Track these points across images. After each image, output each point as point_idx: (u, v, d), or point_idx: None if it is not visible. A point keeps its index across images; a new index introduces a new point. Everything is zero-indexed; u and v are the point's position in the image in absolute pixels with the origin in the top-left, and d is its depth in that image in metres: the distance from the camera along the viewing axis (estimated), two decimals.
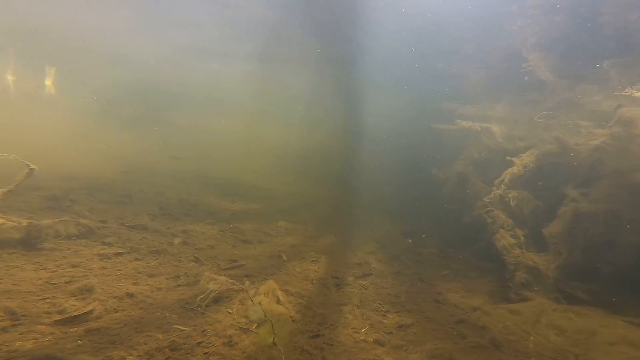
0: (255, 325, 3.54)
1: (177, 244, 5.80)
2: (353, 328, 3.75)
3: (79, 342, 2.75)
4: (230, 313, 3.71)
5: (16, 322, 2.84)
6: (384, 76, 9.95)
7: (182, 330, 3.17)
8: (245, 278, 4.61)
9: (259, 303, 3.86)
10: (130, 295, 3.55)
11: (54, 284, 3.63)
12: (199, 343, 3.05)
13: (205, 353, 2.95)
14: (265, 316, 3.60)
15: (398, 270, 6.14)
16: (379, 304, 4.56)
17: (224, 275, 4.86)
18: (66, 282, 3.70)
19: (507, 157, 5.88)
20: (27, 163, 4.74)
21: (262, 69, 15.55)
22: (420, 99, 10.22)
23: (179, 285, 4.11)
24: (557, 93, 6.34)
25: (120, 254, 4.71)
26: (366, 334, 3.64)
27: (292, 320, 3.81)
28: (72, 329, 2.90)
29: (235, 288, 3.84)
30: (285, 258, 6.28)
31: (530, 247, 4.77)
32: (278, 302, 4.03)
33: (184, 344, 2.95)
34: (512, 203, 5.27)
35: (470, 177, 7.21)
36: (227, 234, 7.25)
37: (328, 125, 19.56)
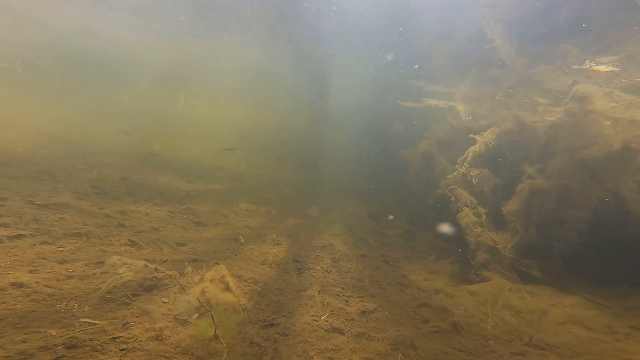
0: (196, 315, 2.99)
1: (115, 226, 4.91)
2: (312, 316, 3.38)
3: None
4: (165, 303, 3.10)
5: None
6: (349, 50, 9.47)
7: (94, 324, 2.52)
8: (186, 263, 3.97)
9: (203, 291, 3.29)
10: (18, 285, 2.75)
11: None
12: (115, 338, 2.43)
13: (122, 349, 2.36)
14: (208, 305, 3.06)
15: (363, 252, 5.91)
16: (342, 288, 4.25)
17: (167, 260, 4.17)
18: None
19: (470, 135, 5.86)
20: None
21: (210, 40, 14.11)
22: (387, 76, 9.98)
23: (101, 273, 3.36)
24: (516, 72, 6.43)
25: (19, 236, 3.76)
26: (326, 321, 3.29)
27: (243, 309, 3.33)
28: None
29: (158, 275, 3.18)
30: (243, 241, 5.71)
31: (490, 225, 4.79)
32: (227, 289, 3.50)
33: (91, 341, 2.32)
34: (474, 181, 5.26)
35: (435, 156, 7.17)
36: (177, 216, 6.42)
37: (292, 103, 18.74)
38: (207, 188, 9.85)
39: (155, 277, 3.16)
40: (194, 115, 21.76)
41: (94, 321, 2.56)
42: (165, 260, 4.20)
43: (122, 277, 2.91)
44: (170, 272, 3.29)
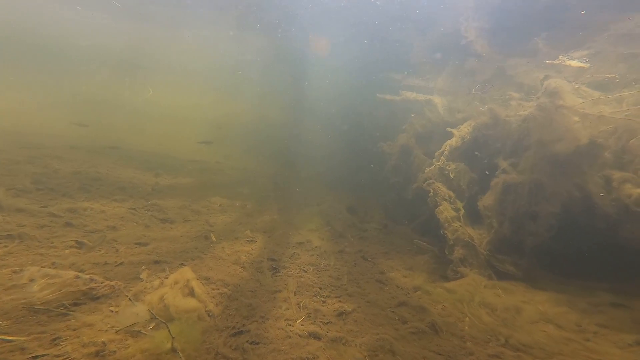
0: (151, 325, 2.62)
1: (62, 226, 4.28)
2: (286, 320, 3.12)
3: None
4: (114, 312, 2.69)
5: None
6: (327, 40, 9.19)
7: (8, 342, 2.08)
8: (143, 267, 3.53)
9: (162, 297, 2.90)
10: None
11: None
12: (37, 358, 2.02)
13: None
14: (166, 313, 2.69)
15: (341, 248, 5.74)
16: (319, 288, 4.03)
17: (122, 262, 3.69)
18: None
19: (448, 129, 5.85)
20: None
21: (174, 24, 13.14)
22: (366, 68, 9.83)
23: (32, 281, 2.85)
24: (491, 65, 6.53)
25: None
26: (301, 325, 3.05)
27: (210, 315, 2.99)
28: None
29: (94, 287, 2.72)
30: (214, 239, 5.29)
31: (467, 220, 4.80)
32: (191, 294, 3.13)
33: None
34: (451, 175, 5.24)
35: (414, 149, 7.14)
36: (140, 213, 5.84)
37: (267, 93, 18.08)
38: (177, 182, 9.16)
39: (91, 289, 2.67)
40: (163, 106, 20.35)
41: (8, 337, 2.10)
42: (121, 263, 3.72)
43: (38, 293, 2.41)
44: (112, 282, 2.80)
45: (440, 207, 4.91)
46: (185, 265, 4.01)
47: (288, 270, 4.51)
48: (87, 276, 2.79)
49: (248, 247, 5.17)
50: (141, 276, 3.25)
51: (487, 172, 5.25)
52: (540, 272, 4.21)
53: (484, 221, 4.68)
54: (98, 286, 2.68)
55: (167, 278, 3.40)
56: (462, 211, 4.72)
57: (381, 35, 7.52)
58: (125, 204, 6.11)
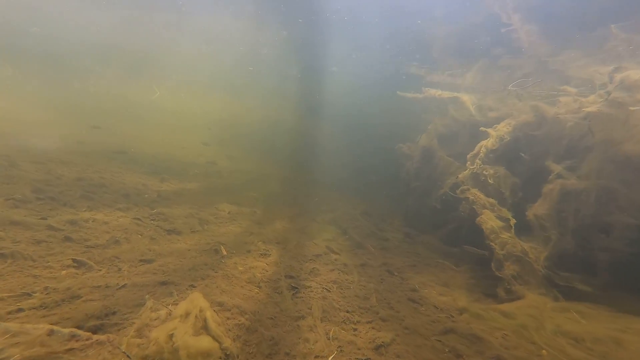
0: None
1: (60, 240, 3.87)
2: (316, 357, 2.65)
3: None
4: (113, 354, 2.24)
5: None
6: (344, 36, 8.68)
7: None
8: (147, 296, 3.07)
9: (170, 334, 2.45)
10: None
11: None
12: None
13: None
14: (176, 358, 2.24)
15: (364, 261, 5.25)
16: (347, 312, 3.56)
17: (125, 285, 3.26)
18: None
19: (482, 129, 5.31)
20: None
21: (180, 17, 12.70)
22: (386, 63, 9.30)
23: (19, 310, 2.43)
24: (535, 59, 5.98)
25: None
26: None
27: (227, 355, 2.53)
28: None
29: (76, 345, 1.99)
30: (225, 253, 4.85)
31: (516, 231, 4.27)
32: (205, 328, 2.67)
33: None
34: (489, 180, 4.71)
35: (437, 151, 6.61)
36: (145, 223, 5.42)
37: (279, 92, 17.54)
38: (183, 187, 8.76)
39: (71, 350, 1.99)
40: (168, 106, 19.98)
41: None
42: (123, 286, 3.29)
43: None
44: (102, 337, 2.14)
45: (483, 217, 4.39)
46: (195, 288, 3.57)
47: (309, 289, 4.05)
48: (67, 330, 2.12)
49: (262, 262, 4.71)
50: (146, 304, 2.80)
51: (531, 177, 4.68)
52: (620, 293, 3.63)
53: (535, 232, 4.15)
54: (82, 345, 2.04)
55: (176, 305, 2.95)
56: (513, 221, 4.19)
57: (404, 27, 7.02)
58: (129, 213, 5.71)
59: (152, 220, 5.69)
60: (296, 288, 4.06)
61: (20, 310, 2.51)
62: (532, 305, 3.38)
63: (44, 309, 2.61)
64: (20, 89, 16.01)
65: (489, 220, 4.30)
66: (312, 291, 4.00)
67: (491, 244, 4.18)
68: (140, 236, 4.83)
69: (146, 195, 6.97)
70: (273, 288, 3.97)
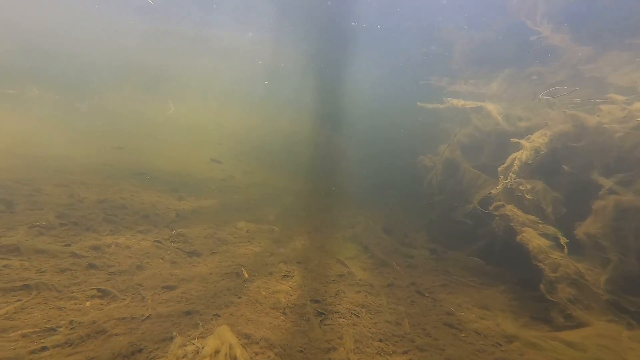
0: None
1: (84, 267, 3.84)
2: None
3: None
4: None
5: None
6: (362, 46, 8.67)
7: None
8: (174, 333, 2.94)
9: None
10: None
11: None
12: None
13: None
14: None
15: (390, 281, 4.99)
16: (380, 340, 3.31)
17: (150, 316, 3.15)
18: None
19: (513, 140, 5.02)
20: None
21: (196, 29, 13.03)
22: (404, 74, 9.19)
23: (43, 349, 2.34)
24: (569, 66, 5.72)
25: None
26: None
27: None
28: None
29: None
30: (246, 276, 4.71)
31: (567, 251, 3.91)
32: None
33: None
34: (527, 196, 4.39)
35: (461, 164, 6.34)
36: (166, 246, 5.38)
37: (295, 105, 17.60)
38: (200, 205, 8.78)
39: None
40: (183, 121, 20.43)
41: None
42: (148, 317, 3.18)
43: None
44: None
45: (525, 235, 4.08)
46: (219, 317, 3.43)
47: (337, 315, 3.82)
48: None
49: (285, 285, 4.54)
50: (174, 341, 2.66)
51: (574, 192, 4.34)
52: None
53: (587, 252, 3.80)
54: None
55: (203, 338, 2.80)
56: (564, 240, 3.84)
57: (424, 37, 6.94)
58: (150, 235, 5.70)
59: (172, 242, 5.65)
60: (323, 314, 3.84)
61: (44, 348, 2.42)
62: (604, 334, 3.00)
63: (69, 346, 2.51)
64: (43, 110, 16.75)
65: (533, 239, 3.98)
66: (341, 317, 3.78)
67: (539, 264, 3.84)
68: (161, 260, 4.77)
69: (165, 216, 6.97)
70: (299, 314, 3.77)
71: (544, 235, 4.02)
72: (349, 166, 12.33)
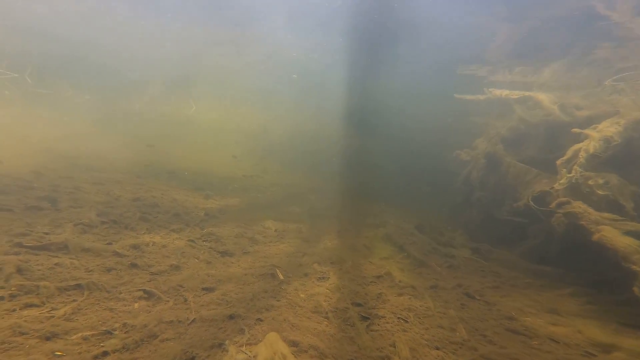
0: None
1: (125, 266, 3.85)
2: None
3: None
4: None
5: None
6: (399, 37, 8.21)
7: None
8: (227, 342, 2.83)
9: None
10: None
11: None
12: None
13: None
14: None
15: (433, 282, 4.71)
16: (437, 348, 3.07)
17: (195, 320, 3.08)
18: None
19: (575, 130, 4.54)
20: None
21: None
22: (440, 63, 8.67)
23: (105, 354, 2.28)
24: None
25: None
26: None
27: None
28: None
29: None
30: (282, 277, 4.59)
31: None
32: None
33: None
34: (599, 191, 3.94)
35: (504, 158, 5.87)
36: (199, 245, 5.37)
37: (321, 99, 17.12)
38: (226, 203, 8.81)
39: None
40: (204, 119, 20.69)
41: None
42: (193, 321, 3.11)
43: None
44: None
45: (604, 234, 3.64)
46: (262, 321, 3.31)
47: (383, 320, 3.61)
48: None
49: (323, 287, 4.37)
50: (229, 353, 2.55)
51: None
52: None
53: None
54: None
55: (253, 346, 2.68)
56: None
57: (464, 23, 6.47)
58: (183, 234, 5.71)
59: (204, 241, 5.63)
60: (368, 318, 3.64)
61: (105, 354, 2.38)
62: None
63: (126, 351, 2.46)
64: (78, 109, 17.42)
65: (616, 238, 3.55)
66: (388, 322, 3.56)
67: (633, 266, 3.40)
68: (197, 260, 4.74)
69: (194, 214, 7.01)
70: (343, 319, 3.59)
71: (631, 233, 3.57)
72: (374, 163, 11.98)
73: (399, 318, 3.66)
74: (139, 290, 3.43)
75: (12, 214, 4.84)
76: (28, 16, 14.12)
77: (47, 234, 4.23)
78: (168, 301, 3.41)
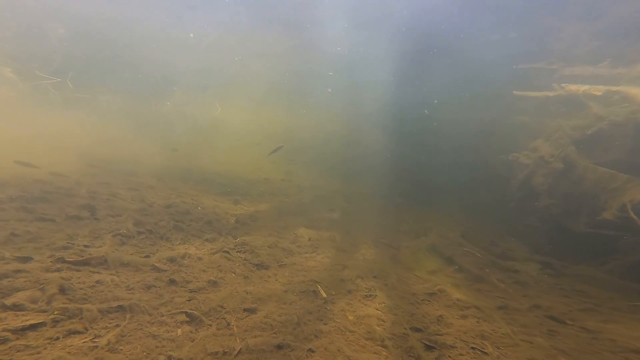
0: None
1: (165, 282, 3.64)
2: None
3: None
4: None
5: None
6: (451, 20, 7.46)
7: None
8: None
9: None
10: None
11: None
12: None
13: None
14: None
15: (500, 302, 4.11)
16: None
17: (240, 350, 2.76)
18: None
19: None
20: None
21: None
22: (498, 57, 7.79)
23: None
24: None
25: (34, 326, 2.56)
26: None
27: None
28: None
29: None
30: (324, 295, 4.20)
31: None
32: None
33: None
34: None
35: (578, 162, 5.10)
36: (233, 256, 5.12)
37: (356, 96, 16.35)
38: (256, 209, 8.59)
39: None
40: (228, 121, 20.77)
41: None
42: (239, 351, 2.79)
43: None
44: None
45: None
46: (314, 352, 2.93)
47: (454, 350, 3.10)
48: None
49: (372, 308, 3.93)
50: None
51: None
52: None
53: None
54: None
55: None
56: None
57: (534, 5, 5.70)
58: (216, 244, 5.50)
59: (238, 252, 5.38)
60: (434, 347, 3.15)
61: None
62: None
63: None
64: (114, 112, 17.99)
65: None
66: (461, 354, 3.05)
67: None
68: (234, 275, 4.46)
69: (225, 222, 6.83)
70: (404, 349, 3.13)
71: None
72: (407, 165, 11.29)
73: (473, 348, 3.14)
74: (181, 312, 3.18)
75: (54, 224, 4.83)
76: (77, 21, 14.73)
77: (87, 246, 4.13)
78: (210, 325, 3.13)
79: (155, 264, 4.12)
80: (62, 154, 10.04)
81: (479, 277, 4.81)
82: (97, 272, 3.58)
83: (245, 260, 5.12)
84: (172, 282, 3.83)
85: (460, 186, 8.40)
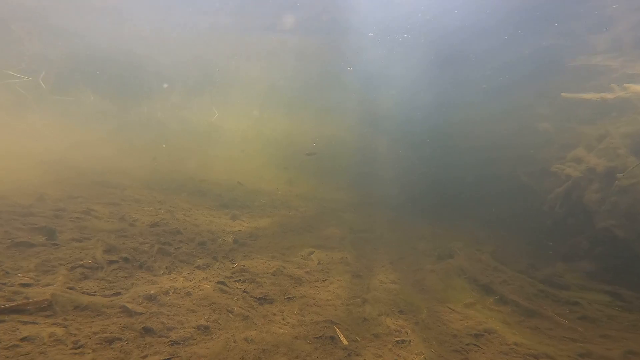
0: None
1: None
2: None
3: None
4: None
5: None
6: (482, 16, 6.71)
7: None
8: None
9: None
10: None
11: None
12: None
13: None
14: None
15: (577, 348, 3.23)
16: None
17: None
18: None
19: None
20: None
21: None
22: (539, 51, 7.10)
23: None
24: None
25: None
26: None
27: None
28: None
29: None
30: (345, 342, 3.31)
31: None
32: None
33: None
34: None
35: None
36: (231, 288, 4.22)
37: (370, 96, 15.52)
38: (256, 226, 7.68)
39: None
40: (225, 127, 19.87)
41: None
42: None
43: None
44: None
45: None
46: None
47: None
48: None
49: None
50: None
51: None
52: None
53: None
54: None
55: None
56: None
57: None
58: (210, 272, 4.60)
59: (236, 281, 4.48)
60: None
61: None
62: None
63: None
64: (98, 117, 16.87)
65: None
66: None
67: None
68: (231, 316, 3.56)
69: (222, 241, 5.94)
70: None
71: None
72: (421, 177, 10.51)
73: None
74: None
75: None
76: (64, 21, 14.00)
77: (26, 285, 3.20)
78: None
79: (127, 305, 3.20)
80: (25, 162, 8.84)
81: (531, 310, 3.95)
82: (32, 323, 2.65)
83: (245, 292, 4.21)
84: (147, 330, 2.92)
85: (481, 199, 7.61)
